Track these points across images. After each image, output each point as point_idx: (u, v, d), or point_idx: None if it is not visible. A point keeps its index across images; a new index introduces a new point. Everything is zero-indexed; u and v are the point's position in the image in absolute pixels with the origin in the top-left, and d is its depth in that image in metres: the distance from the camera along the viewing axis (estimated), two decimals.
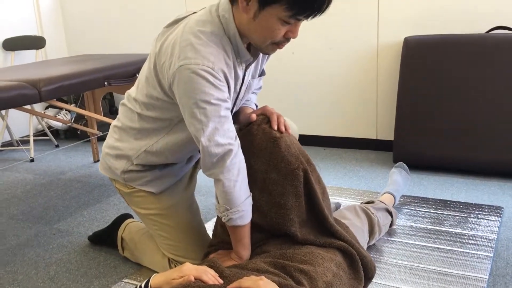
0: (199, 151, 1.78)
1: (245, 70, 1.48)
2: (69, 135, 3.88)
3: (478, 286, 1.61)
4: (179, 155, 1.64)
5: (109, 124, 3.55)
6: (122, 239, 1.90)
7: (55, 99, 2.24)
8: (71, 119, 3.35)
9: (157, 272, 1.72)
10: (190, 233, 1.70)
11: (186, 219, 1.70)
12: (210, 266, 1.34)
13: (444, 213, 2.16)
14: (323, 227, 1.56)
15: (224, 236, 1.56)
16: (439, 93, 2.64)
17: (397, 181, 2.22)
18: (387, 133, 3.03)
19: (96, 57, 2.84)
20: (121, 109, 1.66)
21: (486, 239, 1.91)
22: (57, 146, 3.65)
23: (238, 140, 1.43)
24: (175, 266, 1.68)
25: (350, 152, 3.08)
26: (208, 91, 1.33)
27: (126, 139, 1.63)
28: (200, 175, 1.83)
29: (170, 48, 1.39)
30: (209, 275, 1.28)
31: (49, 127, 3.74)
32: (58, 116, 3.60)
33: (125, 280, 1.76)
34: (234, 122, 1.46)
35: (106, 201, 2.54)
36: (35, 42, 3.64)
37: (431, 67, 2.67)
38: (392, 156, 2.85)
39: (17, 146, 3.57)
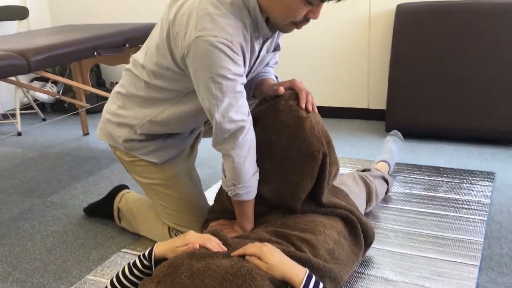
0: (204, 123, 1.77)
1: (262, 44, 1.44)
2: (56, 108, 3.81)
3: (474, 248, 1.64)
4: (184, 126, 1.61)
5: (98, 96, 3.54)
6: (118, 209, 1.89)
7: (44, 70, 2.19)
8: (59, 92, 3.28)
9: (156, 241, 1.73)
10: (191, 203, 1.69)
11: (188, 189, 1.69)
12: (214, 235, 1.34)
13: (438, 179, 2.19)
14: (318, 203, 1.56)
15: (228, 204, 1.55)
16: (431, 61, 2.64)
17: (392, 149, 2.23)
18: (378, 103, 3.03)
19: (83, 27, 2.77)
20: (125, 75, 1.61)
21: (479, 203, 1.95)
22: (44, 119, 3.59)
23: (250, 117, 1.41)
24: (176, 235, 1.69)
25: (342, 121, 3.08)
26: (226, 65, 1.29)
27: (130, 106, 1.59)
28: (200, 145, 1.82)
29: (186, 17, 1.33)
30: (214, 243, 1.28)
31: (35, 100, 3.66)
32: (44, 89, 3.52)
33: (124, 250, 1.76)
34: (250, 96, 1.42)
35: (99, 173, 2.51)
36: (18, 13, 3.53)
37: (423, 34, 2.66)
38: (384, 125, 2.86)
39: (3, 120, 3.50)
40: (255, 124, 1.46)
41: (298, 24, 1.36)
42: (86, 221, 2.01)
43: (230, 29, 1.29)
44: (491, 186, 2.09)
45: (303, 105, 1.47)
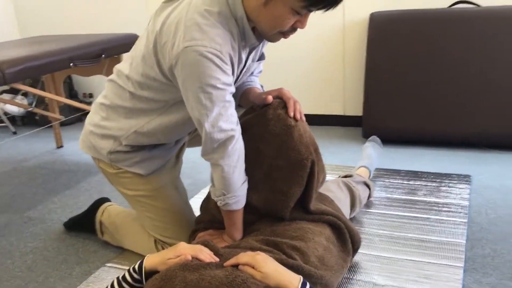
0: (189, 133, 1.76)
1: (248, 54, 1.44)
2: (27, 121, 3.71)
3: (457, 250, 1.68)
4: (171, 136, 1.59)
5: (71, 108, 3.47)
6: (101, 223, 1.85)
7: (20, 82, 2.14)
8: (32, 104, 3.20)
9: (142, 254, 1.71)
10: (178, 213, 1.67)
11: (174, 199, 1.68)
12: (204, 245, 1.33)
13: (417, 183, 2.23)
14: (306, 211, 1.57)
15: (216, 214, 1.54)
16: (406, 68, 2.70)
17: (371, 154, 2.27)
18: (354, 109, 3.08)
19: (57, 38, 2.72)
20: (109, 86, 1.58)
21: (459, 206, 1.99)
22: (14, 133, 3.49)
23: (239, 126, 1.40)
24: (162, 247, 1.66)
25: (319, 129, 3.11)
26: (215, 75, 1.29)
27: (114, 118, 1.56)
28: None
29: (173, 27, 1.31)
30: (205, 254, 1.27)
31: (5, 113, 3.57)
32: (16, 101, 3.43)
33: (109, 264, 1.72)
34: (236, 105, 1.42)
35: (76, 187, 2.46)
36: None
37: (397, 42, 2.72)
38: (361, 131, 2.90)
39: None
40: (243, 133, 1.46)
41: (285, 34, 1.37)
42: (67, 235, 1.96)
43: (219, 39, 1.29)
44: (469, 188, 2.15)
45: (292, 114, 1.48)
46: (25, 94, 3.54)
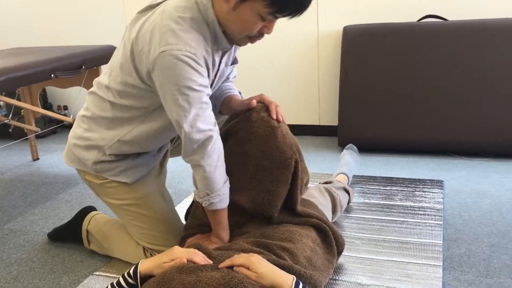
0: (171, 140, 1.79)
1: (221, 57, 1.50)
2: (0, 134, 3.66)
3: (435, 250, 1.76)
4: (153, 144, 1.63)
5: (47, 121, 3.43)
6: (87, 232, 1.86)
7: (2, 93, 2.13)
8: (9, 116, 3.16)
9: (130, 262, 1.73)
10: (165, 221, 1.70)
11: (161, 207, 1.70)
12: (197, 249, 1.36)
13: (393, 189, 2.32)
14: (294, 213, 1.63)
15: (204, 218, 1.58)
16: (378, 79, 2.81)
17: (349, 162, 2.34)
18: (329, 119, 3.17)
19: (34, 50, 2.72)
20: (90, 98, 1.62)
21: (434, 209, 2.08)
22: None
23: (217, 127, 1.46)
24: (151, 255, 1.68)
25: (296, 138, 3.17)
26: (191, 77, 1.34)
27: (96, 129, 1.59)
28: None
29: (149, 34, 1.37)
30: (200, 257, 1.31)
31: None
32: None
33: (97, 273, 1.73)
34: (216, 113, 1.48)
35: (56, 198, 2.45)
36: None
37: (370, 54, 2.83)
38: (337, 140, 2.99)
39: None
40: (229, 137, 1.51)
41: (252, 38, 1.44)
42: (51, 246, 1.96)
43: (193, 43, 1.35)
44: (442, 193, 2.25)
45: (274, 116, 1.55)
46: None
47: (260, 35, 1.43)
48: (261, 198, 1.55)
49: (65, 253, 1.90)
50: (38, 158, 3.09)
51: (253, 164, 1.55)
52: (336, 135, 3.04)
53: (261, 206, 1.55)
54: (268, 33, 1.42)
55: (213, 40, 1.43)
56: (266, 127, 1.54)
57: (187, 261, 1.29)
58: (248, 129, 1.55)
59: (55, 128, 3.63)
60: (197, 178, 1.47)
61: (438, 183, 2.36)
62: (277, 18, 1.37)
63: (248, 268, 1.24)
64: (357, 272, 1.65)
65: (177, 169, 2.70)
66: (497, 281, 1.57)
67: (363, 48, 2.85)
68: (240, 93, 1.74)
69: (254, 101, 1.58)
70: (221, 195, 1.48)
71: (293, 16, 1.36)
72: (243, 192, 1.55)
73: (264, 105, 1.58)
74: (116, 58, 1.53)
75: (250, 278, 1.22)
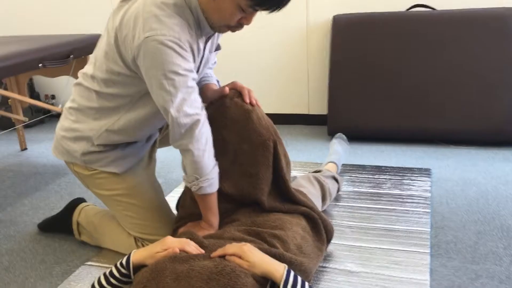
0: (159, 130, 1.80)
1: (206, 43, 1.51)
2: None
3: (423, 238, 1.79)
4: (141, 132, 1.63)
5: (34, 110, 3.41)
6: (78, 223, 1.86)
7: None
8: None
9: (122, 253, 1.74)
10: (156, 210, 1.71)
11: (151, 197, 1.71)
12: (190, 238, 1.38)
13: (381, 177, 2.35)
14: (285, 196, 1.65)
15: (194, 208, 1.59)
16: (367, 69, 2.82)
17: (338, 150, 2.37)
18: (319, 108, 3.18)
19: (21, 39, 2.68)
20: (76, 90, 1.62)
21: (421, 197, 2.12)
22: None
23: (204, 111, 1.47)
24: (143, 245, 1.70)
25: (284, 127, 3.20)
26: (176, 61, 1.35)
27: (84, 120, 1.59)
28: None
29: (132, 20, 1.37)
30: (192, 246, 1.32)
31: None
32: None
33: (88, 263, 1.74)
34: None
35: (46, 188, 2.44)
36: None
37: (359, 43, 2.84)
38: (326, 129, 3.01)
39: None
40: None
41: (231, 28, 1.45)
42: (42, 236, 1.96)
43: (177, 28, 1.36)
44: (429, 181, 2.28)
45: (247, 100, 1.57)
46: None
47: (239, 25, 1.44)
48: (244, 182, 1.57)
49: (56, 243, 1.90)
50: (26, 148, 3.07)
51: (232, 150, 1.57)
52: (325, 124, 3.06)
53: (246, 190, 1.57)
54: (247, 24, 1.43)
55: (196, 26, 1.43)
56: (241, 111, 1.56)
57: (180, 250, 1.30)
58: (223, 116, 1.57)
59: (43, 118, 3.60)
60: (186, 162, 1.48)
61: (426, 171, 2.39)
62: (256, 10, 1.38)
63: (240, 257, 1.26)
64: (346, 260, 1.68)
65: (166, 159, 2.70)
66: (483, 267, 1.61)
67: (352, 37, 2.86)
68: (218, 81, 1.75)
69: (227, 88, 1.60)
70: (210, 179, 1.49)
71: (273, 10, 1.38)
72: (226, 178, 1.57)
73: (236, 91, 1.60)
74: (100, 47, 1.53)
75: (242, 267, 1.24)
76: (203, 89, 1.66)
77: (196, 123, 1.42)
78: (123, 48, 1.42)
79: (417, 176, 2.34)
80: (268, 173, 1.57)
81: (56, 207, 2.21)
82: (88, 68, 1.59)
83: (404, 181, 2.29)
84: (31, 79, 3.64)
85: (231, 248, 1.29)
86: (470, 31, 2.68)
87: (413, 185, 2.24)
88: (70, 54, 2.44)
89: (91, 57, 1.60)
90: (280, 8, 1.38)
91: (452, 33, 2.70)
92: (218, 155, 1.54)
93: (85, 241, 1.87)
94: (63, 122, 1.66)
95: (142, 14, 1.36)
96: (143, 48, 1.34)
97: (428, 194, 2.14)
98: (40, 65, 2.27)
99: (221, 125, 1.56)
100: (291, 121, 3.26)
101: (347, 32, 2.87)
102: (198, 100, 1.45)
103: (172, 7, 1.38)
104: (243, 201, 1.60)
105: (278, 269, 1.25)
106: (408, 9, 2.87)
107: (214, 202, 1.55)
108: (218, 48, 1.68)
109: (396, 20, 2.79)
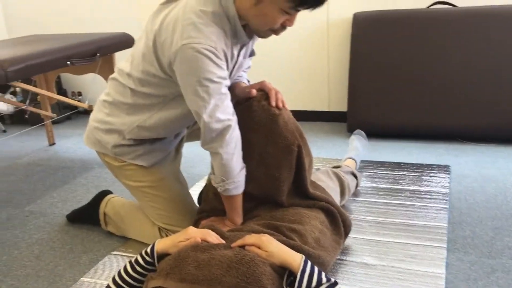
0: (187, 127, 1.86)
1: (240, 50, 1.55)
2: (16, 119, 3.75)
3: (440, 233, 1.81)
4: (171, 130, 1.69)
5: (62, 107, 3.52)
6: (105, 214, 1.94)
7: (20, 80, 2.20)
8: (26, 102, 3.25)
9: (146, 243, 1.81)
10: (180, 203, 1.77)
11: (176, 190, 1.77)
12: (211, 229, 1.43)
13: (400, 173, 2.37)
14: (304, 194, 1.69)
15: (216, 203, 1.65)
16: (387, 65, 2.84)
17: (357, 147, 2.40)
18: (339, 105, 3.21)
19: (49, 37, 2.78)
20: (111, 84, 1.68)
21: (440, 193, 2.13)
22: (4, 131, 3.53)
23: (235, 116, 1.51)
24: (166, 235, 1.76)
25: (305, 124, 3.23)
26: (211, 69, 1.39)
27: (117, 114, 1.66)
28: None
29: (171, 26, 1.42)
30: (213, 237, 1.38)
31: None
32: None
33: (114, 253, 1.81)
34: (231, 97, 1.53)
35: (73, 182, 2.53)
36: None
37: (379, 40, 2.86)
38: (346, 126, 3.03)
39: None
40: None
41: (275, 31, 1.48)
42: (70, 227, 2.04)
43: (214, 37, 1.40)
44: (448, 177, 2.30)
45: (274, 103, 1.60)
46: (14, 93, 3.58)
47: (283, 28, 1.46)
48: (268, 184, 1.61)
49: (84, 233, 1.98)
50: (54, 143, 3.18)
51: (258, 152, 1.60)
52: (345, 121, 3.09)
53: (269, 192, 1.62)
54: (291, 25, 1.46)
55: (232, 34, 1.47)
56: (267, 115, 1.59)
57: (201, 240, 1.36)
58: (250, 119, 1.60)
59: (70, 114, 3.71)
60: (214, 164, 1.53)
61: (445, 168, 2.41)
62: (298, 11, 1.41)
63: (259, 247, 1.31)
64: (364, 253, 1.72)
65: (190, 154, 2.77)
66: (499, 261, 1.63)
67: (372, 34, 2.88)
68: (248, 81, 1.79)
69: (254, 91, 1.62)
70: (236, 182, 1.54)
71: (314, 8, 1.40)
72: (251, 180, 1.61)
73: (264, 93, 1.62)
74: (138, 47, 1.59)
75: (261, 257, 1.29)
76: (232, 86, 1.69)
77: (227, 128, 1.47)
78: (161, 52, 1.47)
79: (436, 173, 2.35)
80: (290, 175, 1.61)
81: (83, 199, 2.29)
82: (125, 66, 1.64)
83: (423, 177, 2.31)
84: (58, 77, 3.75)
85: (251, 238, 1.34)
86: (491, 28, 2.67)
87: (432, 182, 2.26)
88: (97, 52, 2.52)
89: (129, 54, 1.65)
90: (321, 4, 1.40)
91: (473, 30, 2.70)
92: (244, 157, 1.59)
93: (111, 231, 1.95)
94: (97, 114, 1.72)
95: (182, 21, 1.40)
96: (180, 54, 1.39)
97: (447, 190, 2.16)
98: (68, 62, 2.36)
99: (248, 127, 1.59)
100: (312, 117, 3.29)
101: (368, 30, 2.89)
102: (230, 106, 1.49)
103: (211, 15, 1.41)
104: (264, 201, 1.65)
105: (295, 259, 1.30)
106: (429, 6, 2.87)
107: (239, 203, 1.60)
108: (252, 53, 1.71)
109: (417, 17, 2.80)
